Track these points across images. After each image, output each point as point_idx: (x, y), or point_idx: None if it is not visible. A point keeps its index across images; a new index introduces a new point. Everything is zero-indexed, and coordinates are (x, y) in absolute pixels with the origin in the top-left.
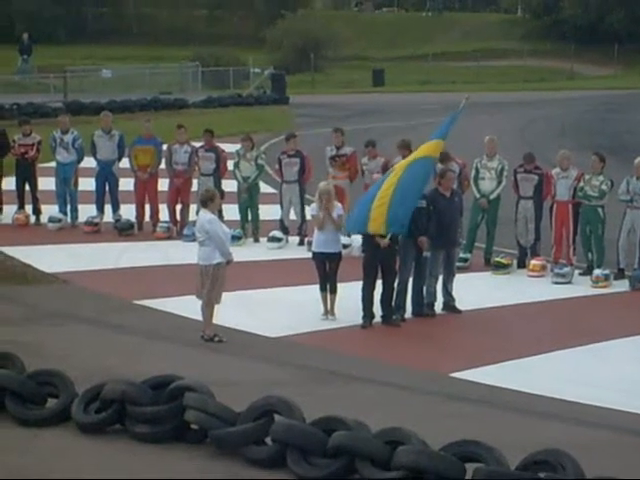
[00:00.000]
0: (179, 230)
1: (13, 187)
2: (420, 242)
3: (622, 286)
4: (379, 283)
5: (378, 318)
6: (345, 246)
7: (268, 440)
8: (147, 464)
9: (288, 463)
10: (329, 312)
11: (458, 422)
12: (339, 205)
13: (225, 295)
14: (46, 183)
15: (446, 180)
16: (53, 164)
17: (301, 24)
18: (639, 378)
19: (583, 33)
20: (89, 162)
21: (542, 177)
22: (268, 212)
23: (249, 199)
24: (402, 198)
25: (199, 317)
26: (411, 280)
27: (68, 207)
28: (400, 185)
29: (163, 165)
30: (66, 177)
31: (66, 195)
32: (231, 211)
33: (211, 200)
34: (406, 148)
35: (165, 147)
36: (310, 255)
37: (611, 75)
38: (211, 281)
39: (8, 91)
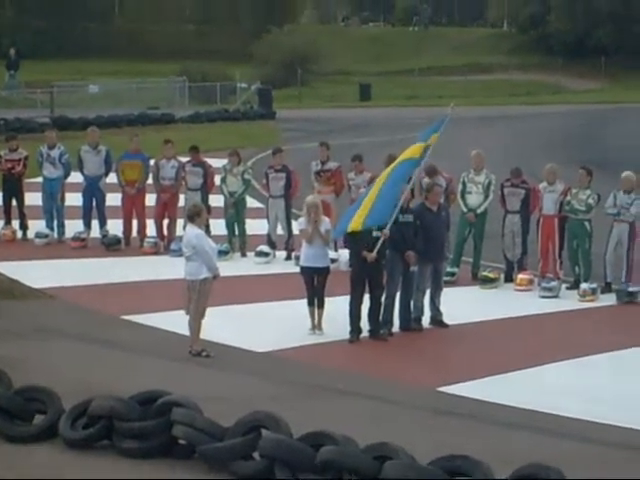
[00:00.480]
0: (166, 245)
1: (0, 202)
2: (407, 256)
3: (609, 300)
4: (367, 297)
5: (365, 332)
6: (333, 260)
7: (256, 455)
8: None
9: (276, 478)
10: (317, 327)
11: (446, 436)
12: (327, 219)
13: (212, 310)
14: (33, 198)
15: (433, 195)
16: (40, 179)
17: (288, 39)
18: (626, 392)
19: (570, 47)
20: (76, 177)
21: (529, 191)
22: (255, 227)
23: (236, 214)
24: (383, 196)
25: (186, 332)
26: (398, 294)
27: (55, 222)
28: (384, 187)
29: (150, 180)
30: (53, 192)
31: (53, 210)
32: (218, 226)
33: (198, 215)
34: (392, 163)
35: (152, 162)
36: (297, 269)
37: (598, 89)
38: (197, 296)
39: None
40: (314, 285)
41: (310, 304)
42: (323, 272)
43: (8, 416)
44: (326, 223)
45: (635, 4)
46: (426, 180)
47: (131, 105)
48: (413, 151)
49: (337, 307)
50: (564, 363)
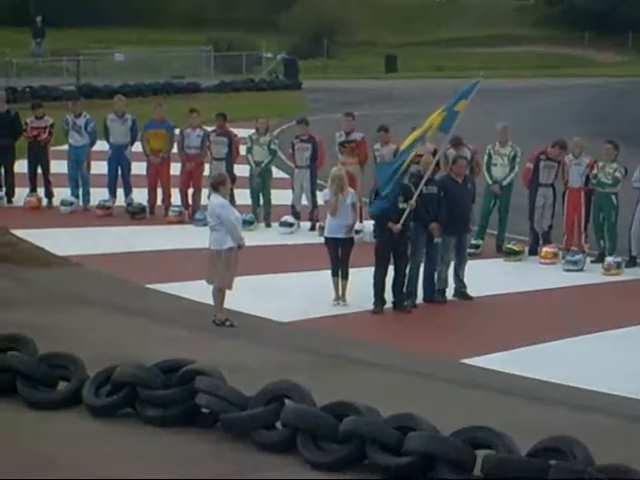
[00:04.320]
0: (191, 214)
1: (25, 170)
2: (432, 228)
3: (634, 274)
4: (391, 269)
5: (389, 304)
6: (357, 232)
7: (279, 425)
8: (157, 447)
9: (298, 448)
10: (340, 298)
11: (469, 408)
12: (352, 191)
13: (236, 280)
14: (58, 166)
15: (458, 166)
16: (66, 147)
17: (314, 9)
18: None
19: (596, 20)
20: (102, 145)
21: (560, 164)
22: (280, 197)
23: (261, 184)
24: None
25: (210, 301)
26: (422, 266)
27: (80, 190)
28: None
29: (175, 149)
30: (78, 160)
31: (78, 178)
32: (243, 196)
33: (222, 184)
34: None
35: (178, 131)
36: (321, 240)
37: (624, 62)
38: (223, 266)
39: (21, 74)
40: (338, 256)
41: (334, 275)
42: (347, 243)
43: (32, 382)
44: (352, 195)
45: None
46: (451, 152)
47: (157, 74)
48: (432, 121)
49: (361, 278)
50: (588, 336)
